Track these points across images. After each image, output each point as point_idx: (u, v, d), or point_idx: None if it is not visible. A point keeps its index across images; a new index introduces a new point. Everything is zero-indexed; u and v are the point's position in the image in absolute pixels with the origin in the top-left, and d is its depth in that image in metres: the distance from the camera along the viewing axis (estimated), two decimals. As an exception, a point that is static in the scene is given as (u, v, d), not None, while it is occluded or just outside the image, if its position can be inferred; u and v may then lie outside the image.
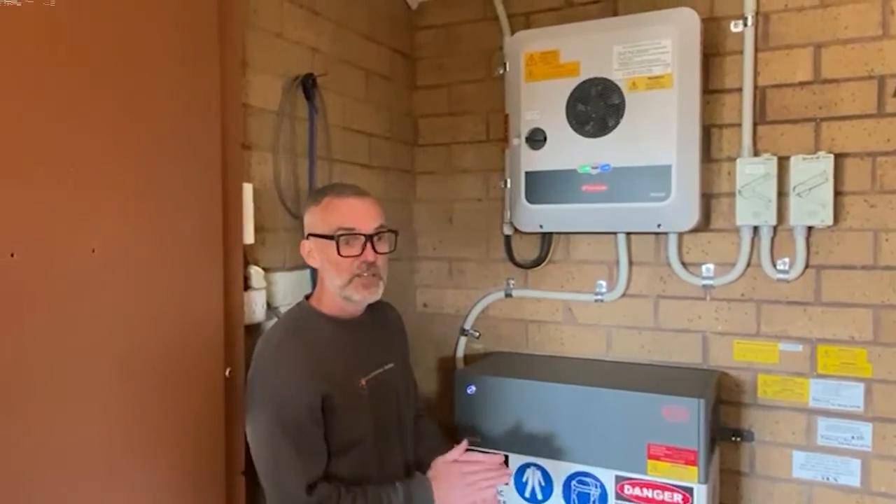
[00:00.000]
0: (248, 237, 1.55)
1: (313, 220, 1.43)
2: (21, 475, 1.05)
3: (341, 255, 1.36)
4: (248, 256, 1.59)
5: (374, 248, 1.38)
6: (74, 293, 1.12)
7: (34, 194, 1.06)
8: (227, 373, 1.44)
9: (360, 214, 1.39)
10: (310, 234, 1.43)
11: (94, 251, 1.14)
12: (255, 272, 1.59)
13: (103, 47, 1.16)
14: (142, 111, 1.24)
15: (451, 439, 1.63)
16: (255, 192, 1.59)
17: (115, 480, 1.20)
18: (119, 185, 1.19)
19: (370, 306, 1.51)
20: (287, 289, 1.71)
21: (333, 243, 1.37)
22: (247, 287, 1.55)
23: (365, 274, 1.38)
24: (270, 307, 1.65)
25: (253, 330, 1.59)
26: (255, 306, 1.58)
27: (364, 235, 1.38)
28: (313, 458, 1.32)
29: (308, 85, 1.79)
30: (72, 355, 1.12)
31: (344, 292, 1.39)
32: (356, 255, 1.37)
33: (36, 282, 1.06)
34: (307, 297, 1.50)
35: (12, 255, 1.01)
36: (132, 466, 1.23)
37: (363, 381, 1.42)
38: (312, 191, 1.50)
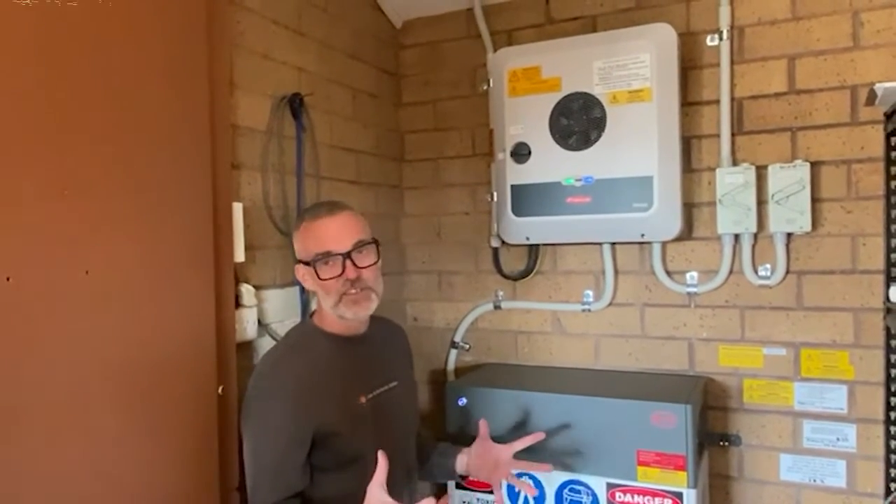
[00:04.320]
0: (239, 255, 1.57)
1: (297, 246, 1.43)
2: (15, 493, 1.05)
3: (321, 279, 1.36)
4: (239, 274, 1.60)
5: (354, 263, 1.37)
6: (69, 314, 1.13)
7: (28, 219, 1.07)
8: (220, 390, 1.45)
9: (334, 234, 1.37)
10: (298, 260, 1.43)
11: (87, 273, 1.16)
12: (246, 290, 1.60)
13: (93, 72, 1.19)
14: (132, 133, 1.26)
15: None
16: (245, 210, 1.62)
17: (109, 498, 1.20)
18: (111, 207, 1.21)
19: (378, 325, 1.52)
20: (278, 306, 1.73)
21: (313, 268, 1.37)
22: (238, 305, 1.57)
23: (352, 291, 1.37)
24: (262, 324, 1.66)
25: (245, 347, 1.61)
26: (247, 324, 1.59)
27: (341, 254, 1.36)
28: (287, 482, 1.32)
29: (295, 104, 1.82)
30: (66, 375, 1.13)
31: (336, 311, 1.39)
32: (338, 276, 1.36)
33: (31, 304, 1.07)
34: (311, 315, 1.50)
35: (8, 279, 1.03)
36: (126, 484, 1.24)
37: (364, 399, 1.42)
38: (300, 212, 1.50)
